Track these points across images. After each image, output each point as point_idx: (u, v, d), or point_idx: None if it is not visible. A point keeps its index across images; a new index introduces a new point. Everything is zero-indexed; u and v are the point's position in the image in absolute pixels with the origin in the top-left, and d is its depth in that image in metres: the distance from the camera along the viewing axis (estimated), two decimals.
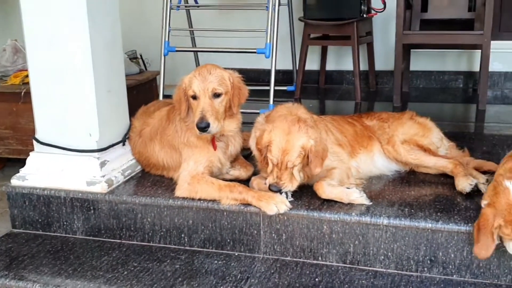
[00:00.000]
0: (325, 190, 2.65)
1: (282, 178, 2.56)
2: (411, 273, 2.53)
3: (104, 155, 2.98)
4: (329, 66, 5.71)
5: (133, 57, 5.41)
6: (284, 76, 5.69)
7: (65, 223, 2.99)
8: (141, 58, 5.49)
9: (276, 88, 4.52)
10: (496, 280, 2.45)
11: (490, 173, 2.85)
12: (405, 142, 3.01)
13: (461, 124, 4.28)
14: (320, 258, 2.66)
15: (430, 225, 2.45)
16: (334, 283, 2.47)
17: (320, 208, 2.62)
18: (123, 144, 3.12)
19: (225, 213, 2.72)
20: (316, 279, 2.50)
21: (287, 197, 2.65)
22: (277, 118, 2.71)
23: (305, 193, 2.75)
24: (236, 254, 2.75)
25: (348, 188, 2.68)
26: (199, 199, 2.73)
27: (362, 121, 3.20)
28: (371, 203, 2.63)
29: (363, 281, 2.48)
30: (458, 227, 2.43)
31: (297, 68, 5.22)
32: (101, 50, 2.92)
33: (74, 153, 2.97)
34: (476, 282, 2.45)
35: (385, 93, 5.37)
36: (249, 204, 2.65)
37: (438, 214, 2.51)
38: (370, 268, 2.58)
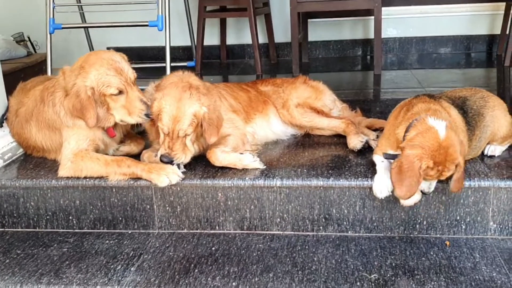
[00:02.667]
0: (218, 157, 2.58)
1: (174, 149, 2.44)
2: (308, 233, 2.52)
3: None
4: (230, 41, 5.64)
5: (20, 40, 5.09)
6: (184, 53, 5.57)
7: None
8: (29, 40, 5.17)
9: (176, 64, 4.39)
10: (389, 233, 2.49)
11: (381, 130, 2.89)
12: (299, 105, 3.00)
13: (358, 91, 4.34)
14: (217, 227, 2.58)
15: (321, 182, 2.44)
16: (230, 250, 2.41)
17: (214, 176, 2.53)
18: (1, 126, 2.87)
19: (114, 190, 2.58)
20: (213, 248, 2.43)
21: (179, 169, 2.54)
22: (168, 85, 2.59)
23: (199, 163, 2.66)
24: (130, 232, 2.62)
25: (242, 154, 2.61)
26: (85, 178, 2.56)
27: (257, 87, 3.15)
28: (265, 167, 2.58)
29: (260, 245, 2.43)
30: (348, 182, 2.43)
31: (195, 43, 5.09)
32: None
33: None
34: (370, 236, 2.48)
35: (286, 65, 5.37)
36: (139, 178, 2.52)
37: (330, 171, 2.51)
38: (268, 232, 2.55)
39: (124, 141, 2.83)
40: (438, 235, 2.46)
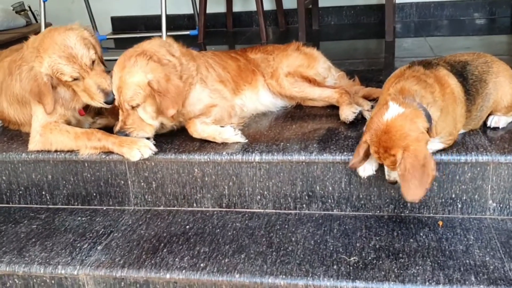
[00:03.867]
0: (197, 128, 2.41)
1: (127, 123, 2.30)
2: (290, 211, 2.35)
3: None
4: (237, 8, 5.40)
5: (20, 10, 4.98)
6: (190, 21, 5.36)
7: None
8: (30, 10, 5.05)
9: (177, 33, 4.25)
10: (378, 211, 2.30)
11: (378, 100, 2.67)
12: (289, 74, 2.80)
13: (365, 59, 4.07)
14: (195, 205, 2.44)
15: (303, 157, 2.25)
16: (205, 228, 2.26)
17: (191, 150, 2.37)
18: None
19: (86, 164, 2.45)
20: (187, 226, 2.29)
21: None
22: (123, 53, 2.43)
23: (178, 137, 2.50)
24: (105, 208, 2.50)
25: (222, 127, 2.44)
26: (56, 151, 2.43)
27: (247, 55, 2.94)
28: (246, 141, 2.41)
29: (237, 224, 2.28)
30: (333, 157, 2.24)
31: (198, 10, 4.89)
32: None
33: None
34: (357, 215, 2.29)
35: (295, 32, 5.06)
36: (111, 152, 2.38)
37: (314, 145, 2.32)
38: (247, 210, 2.39)
39: (103, 113, 2.69)
40: (431, 215, 2.26)
